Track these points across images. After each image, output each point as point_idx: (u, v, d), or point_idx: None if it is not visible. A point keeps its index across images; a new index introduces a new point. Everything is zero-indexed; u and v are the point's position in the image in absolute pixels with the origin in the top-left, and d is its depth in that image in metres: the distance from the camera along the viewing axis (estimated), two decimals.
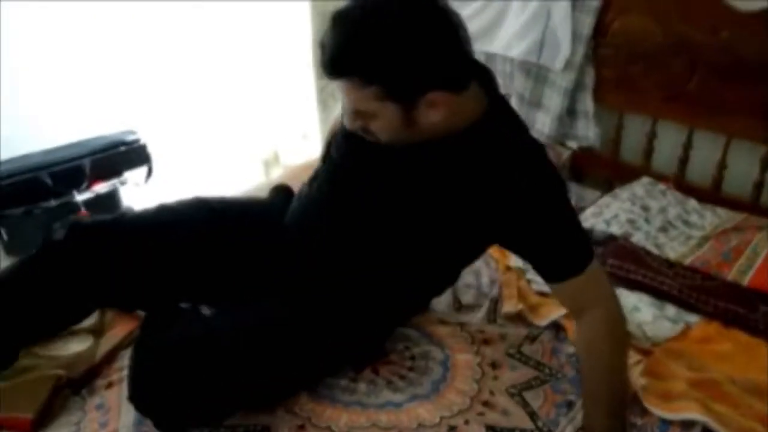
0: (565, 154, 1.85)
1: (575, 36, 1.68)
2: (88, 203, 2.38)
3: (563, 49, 1.70)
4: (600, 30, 1.68)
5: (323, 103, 2.54)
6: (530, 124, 1.52)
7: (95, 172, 2.36)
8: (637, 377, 1.12)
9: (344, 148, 1.10)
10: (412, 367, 1.16)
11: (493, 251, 1.40)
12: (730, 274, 1.33)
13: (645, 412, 1.06)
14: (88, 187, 2.37)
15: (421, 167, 1.01)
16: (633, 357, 1.16)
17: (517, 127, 1.04)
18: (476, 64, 1.00)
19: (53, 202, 2.29)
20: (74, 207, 2.37)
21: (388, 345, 1.21)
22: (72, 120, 2.46)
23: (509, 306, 1.31)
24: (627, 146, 1.79)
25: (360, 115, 0.95)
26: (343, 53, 0.88)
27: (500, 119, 1.01)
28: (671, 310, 1.29)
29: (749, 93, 1.47)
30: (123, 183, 2.46)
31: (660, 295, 1.31)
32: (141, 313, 1.25)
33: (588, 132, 1.79)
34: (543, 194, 0.99)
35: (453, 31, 0.90)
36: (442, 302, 1.34)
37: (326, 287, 1.10)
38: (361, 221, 1.07)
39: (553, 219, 1.00)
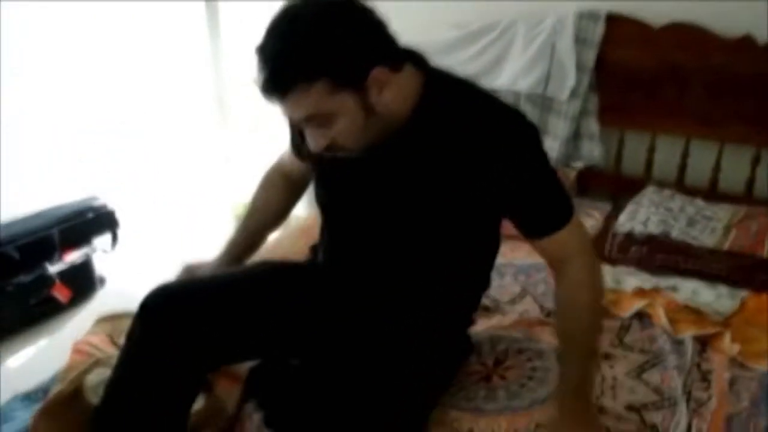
0: (572, 175, 2.11)
1: (579, 67, 1.97)
2: (63, 274, 2.33)
3: (569, 80, 1.98)
4: (601, 61, 1.98)
5: None
6: None
7: (65, 242, 2.34)
8: (729, 346, 1.36)
9: (335, 183, 1.18)
10: (531, 376, 1.28)
11: None
12: (765, 253, 1.62)
13: (746, 368, 1.30)
14: (59, 258, 2.31)
15: (409, 159, 1.08)
16: (713, 329, 1.40)
17: (469, 89, 1.10)
18: (404, 48, 1.06)
19: (23, 277, 2.21)
20: (49, 280, 2.32)
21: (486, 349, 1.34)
22: (24, 191, 2.39)
23: None
24: (628, 160, 2.09)
25: (319, 124, 0.98)
26: (278, 66, 0.93)
27: (447, 87, 1.08)
28: (724, 289, 1.54)
29: (737, 104, 1.82)
30: (93, 251, 2.42)
31: (712, 278, 1.57)
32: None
33: (593, 152, 2.08)
34: (523, 149, 1.06)
35: (372, 11, 0.98)
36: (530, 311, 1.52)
37: (391, 305, 1.18)
38: (392, 232, 1.15)
39: (537, 173, 1.08)
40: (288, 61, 0.93)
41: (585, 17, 1.95)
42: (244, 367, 1.26)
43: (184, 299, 1.08)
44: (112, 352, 1.30)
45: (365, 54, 0.96)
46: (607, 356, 1.35)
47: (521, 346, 1.37)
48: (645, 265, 1.65)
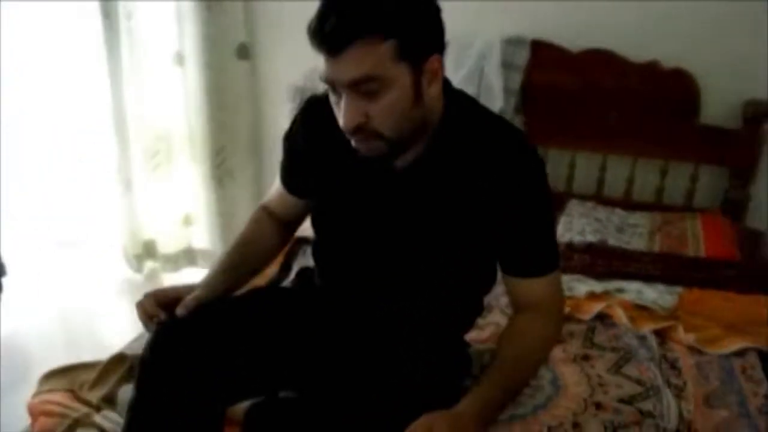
0: None
1: (506, 90, 2.13)
2: None
3: (497, 102, 2.13)
4: (527, 84, 2.16)
5: (218, 180, 2.56)
6: None
7: None
8: (684, 336, 1.53)
9: (339, 208, 1.17)
10: None
11: None
12: (690, 252, 1.86)
13: (704, 354, 1.47)
14: None
15: (426, 183, 1.08)
16: (661, 324, 1.58)
17: (487, 114, 1.11)
18: None
19: None
20: None
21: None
22: None
23: None
24: (551, 177, 2.25)
25: (366, 93, 0.94)
26: (351, 12, 0.90)
27: (468, 110, 1.09)
28: (661, 287, 1.74)
29: (647, 122, 2.08)
30: None
31: (649, 278, 1.77)
32: None
33: None
34: (536, 191, 1.08)
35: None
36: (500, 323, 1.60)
37: (395, 329, 1.17)
38: (401, 256, 1.15)
39: (541, 217, 1.11)
40: (363, 9, 0.90)
41: (511, 43, 2.12)
42: (240, 409, 1.20)
43: (193, 339, 1.02)
44: (84, 409, 1.19)
45: (433, 34, 0.97)
46: (585, 357, 1.45)
47: None
48: (589, 271, 1.81)
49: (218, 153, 2.51)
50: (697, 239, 1.89)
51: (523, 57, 2.12)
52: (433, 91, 1.01)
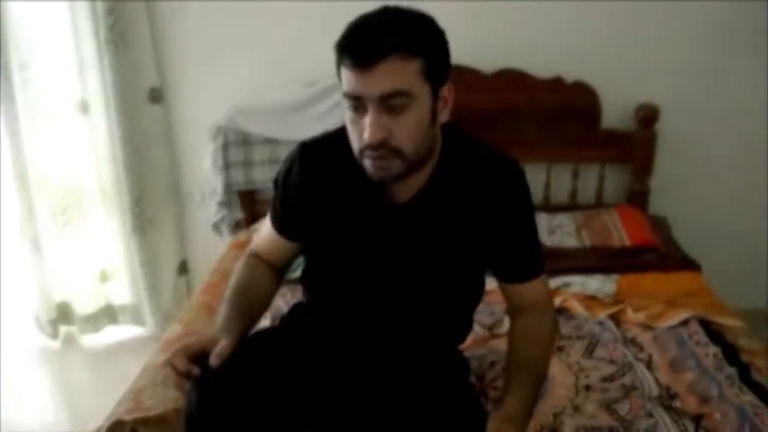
0: None
1: None
2: None
3: None
4: None
5: (140, 230, 2.47)
6: None
7: None
8: (634, 316, 1.75)
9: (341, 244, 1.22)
10: None
11: None
12: (616, 243, 2.10)
13: (654, 329, 1.69)
14: None
15: (430, 213, 1.17)
16: (612, 309, 1.79)
17: (474, 142, 1.20)
18: None
19: None
20: None
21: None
22: None
23: None
24: None
25: (392, 108, 1.00)
26: (391, 28, 1.00)
27: (461, 140, 1.18)
28: (600, 277, 1.96)
29: (557, 131, 2.32)
30: None
31: (588, 271, 1.98)
32: None
33: None
34: (526, 203, 1.21)
35: None
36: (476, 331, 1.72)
37: (402, 353, 1.23)
38: (407, 283, 1.22)
39: (530, 225, 1.24)
40: (397, 27, 1.00)
41: None
42: None
43: (238, 390, 1.04)
44: None
45: (448, 63, 1.07)
46: (560, 348, 1.61)
47: (491, 359, 1.55)
48: None
49: (137, 202, 2.42)
50: (619, 230, 2.14)
51: None
52: (443, 118, 1.11)
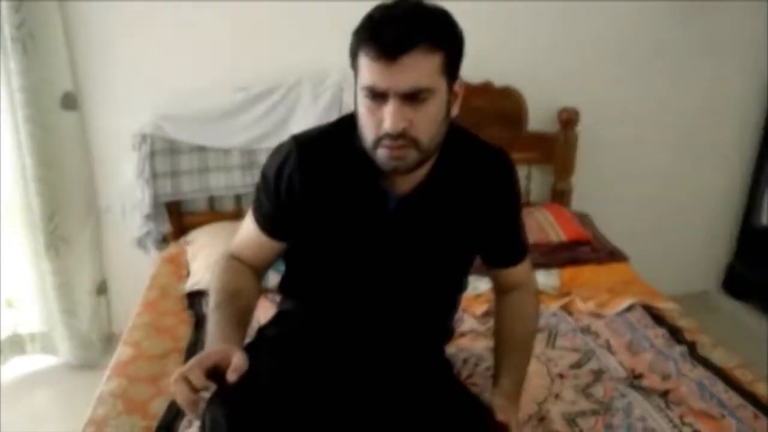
0: None
1: None
2: None
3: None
4: None
5: (53, 249, 2.28)
6: None
7: None
8: (584, 306, 1.87)
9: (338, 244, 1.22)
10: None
11: None
12: (551, 238, 2.22)
13: (603, 317, 1.82)
14: None
15: (435, 199, 1.20)
16: (563, 301, 1.91)
17: (468, 134, 1.25)
18: None
19: None
20: None
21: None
22: None
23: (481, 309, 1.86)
24: None
25: (414, 99, 1.01)
26: (418, 20, 1.01)
27: (457, 135, 1.21)
28: (543, 273, 2.08)
29: (487, 133, 2.41)
30: None
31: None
32: None
33: None
34: (517, 191, 1.28)
35: None
36: None
37: (399, 350, 1.26)
38: (407, 279, 1.25)
39: (518, 212, 1.31)
40: (422, 20, 1.01)
41: None
42: None
43: (265, 402, 1.01)
44: None
45: (462, 59, 1.09)
46: None
47: (463, 357, 1.62)
48: (480, 271, 2.07)
49: (50, 219, 2.23)
50: (554, 227, 2.28)
51: None
52: (453, 113, 1.13)
